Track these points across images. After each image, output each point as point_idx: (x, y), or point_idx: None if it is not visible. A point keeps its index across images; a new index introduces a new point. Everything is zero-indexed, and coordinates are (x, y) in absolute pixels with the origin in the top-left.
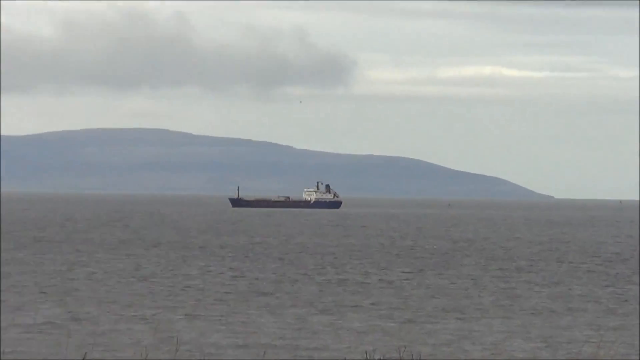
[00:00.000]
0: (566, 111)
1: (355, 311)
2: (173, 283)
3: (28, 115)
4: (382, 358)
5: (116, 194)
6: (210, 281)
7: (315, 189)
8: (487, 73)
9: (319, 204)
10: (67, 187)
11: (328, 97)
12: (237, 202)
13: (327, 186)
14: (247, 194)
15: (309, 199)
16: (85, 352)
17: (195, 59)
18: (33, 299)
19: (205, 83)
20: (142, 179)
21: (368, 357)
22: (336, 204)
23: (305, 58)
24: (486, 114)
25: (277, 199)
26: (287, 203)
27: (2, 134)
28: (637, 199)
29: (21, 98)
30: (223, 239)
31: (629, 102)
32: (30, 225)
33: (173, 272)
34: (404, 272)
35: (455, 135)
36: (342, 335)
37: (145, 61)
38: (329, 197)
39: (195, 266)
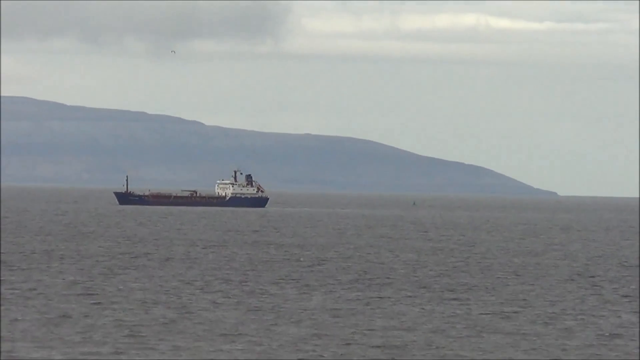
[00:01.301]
0: (576, 78)
1: None
2: None
3: None
4: None
5: None
6: None
7: (233, 181)
8: (468, 23)
9: (237, 201)
10: None
11: (250, 55)
12: (125, 198)
13: (249, 177)
14: (139, 187)
15: (223, 194)
16: None
17: (70, 1)
18: None
19: (82, 35)
20: None
21: None
22: (260, 201)
23: (219, 2)
24: (466, 80)
25: (180, 194)
26: (193, 200)
27: None
28: None
29: None
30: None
31: None
32: None
33: None
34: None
35: (424, 110)
36: None
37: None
38: (250, 191)
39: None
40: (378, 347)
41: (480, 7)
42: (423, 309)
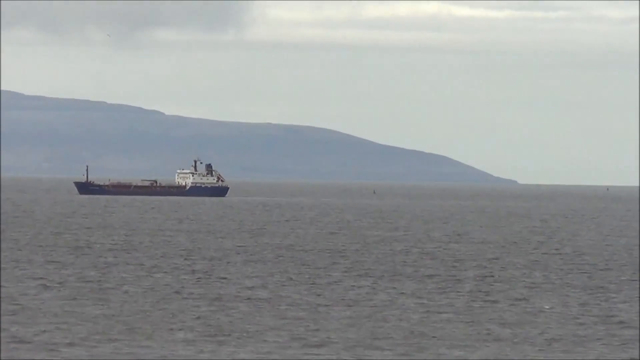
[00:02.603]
0: (535, 66)
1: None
2: None
3: None
4: None
5: None
6: None
7: (193, 170)
8: (430, 12)
9: (197, 191)
10: None
11: (212, 44)
12: (85, 188)
13: (209, 166)
14: (99, 177)
15: (183, 183)
16: None
17: None
18: None
19: (43, 24)
20: None
21: None
22: (221, 191)
23: None
24: (427, 68)
25: (140, 184)
26: (153, 189)
27: None
28: (624, 184)
29: None
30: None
31: (623, 54)
32: None
33: None
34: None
35: (385, 98)
36: None
37: None
38: (210, 180)
39: None
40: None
41: None
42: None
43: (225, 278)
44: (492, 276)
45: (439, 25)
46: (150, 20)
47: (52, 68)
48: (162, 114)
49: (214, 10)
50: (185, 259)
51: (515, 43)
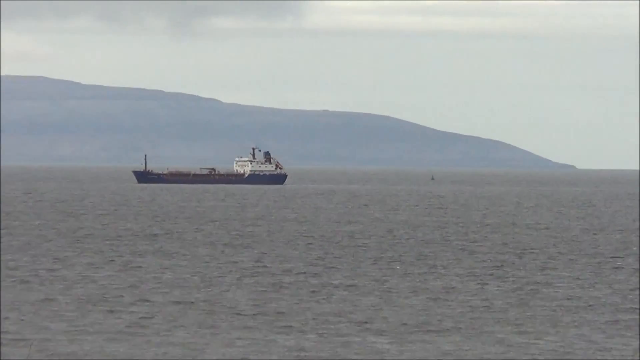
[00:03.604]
0: (594, 51)
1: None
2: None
3: None
4: None
5: None
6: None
7: (251, 158)
8: None
9: (255, 178)
10: None
11: (270, 32)
12: (143, 176)
13: (267, 154)
14: (157, 166)
15: (242, 171)
16: None
17: None
18: None
19: (100, 13)
20: (13, 145)
21: None
22: (279, 178)
23: None
24: (483, 54)
25: (198, 172)
26: (212, 177)
27: None
28: None
29: None
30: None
31: None
32: None
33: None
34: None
35: (440, 85)
36: None
37: None
38: (269, 168)
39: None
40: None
41: None
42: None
43: (333, 267)
44: None
45: (496, 10)
46: (208, 8)
47: (110, 57)
48: (220, 102)
49: None
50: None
51: (574, 28)
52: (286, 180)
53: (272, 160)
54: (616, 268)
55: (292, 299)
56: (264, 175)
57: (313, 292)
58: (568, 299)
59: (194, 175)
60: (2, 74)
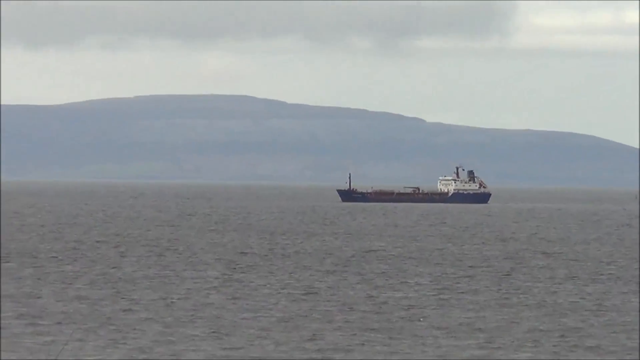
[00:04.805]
0: None
1: None
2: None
3: (63, 79)
4: None
5: (178, 183)
6: None
7: (455, 177)
8: None
9: (459, 197)
10: (111, 175)
11: (476, 51)
12: (348, 195)
13: (471, 173)
14: (361, 185)
15: (445, 190)
16: None
17: (296, 0)
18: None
19: (305, 33)
20: (216, 163)
21: None
22: (483, 197)
23: (444, 1)
24: None
25: (402, 191)
26: (416, 196)
27: (25, 103)
28: None
29: (59, 55)
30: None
31: None
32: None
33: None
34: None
35: None
36: None
37: (226, 5)
38: (472, 187)
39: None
40: None
41: None
42: None
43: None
44: None
45: None
46: (413, 28)
47: (315, 76)
48: (423, 121)
49: (478, 17)
50: None
51: None
52: (490, 199)
53: (475, 179)
54: None
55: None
56: (468, 194)
57: None
58: None
59: (398, 194)
60: (206, 92)
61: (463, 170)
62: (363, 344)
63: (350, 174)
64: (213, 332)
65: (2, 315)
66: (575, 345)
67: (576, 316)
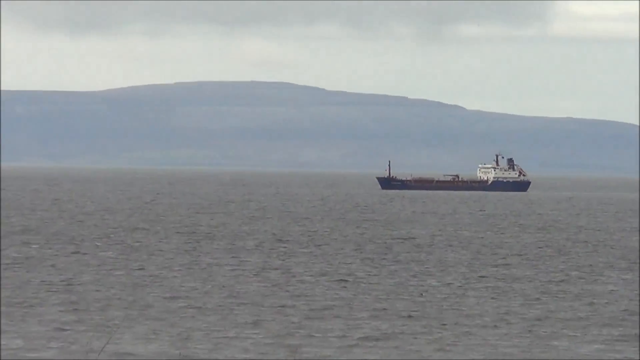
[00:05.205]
0: None
1: None
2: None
3: (105, 65)
4: None
5: (219, 171)
6: None
7: (494, 165)
8: None
9: (499, 185)
10: (153, 162)
11: (516, 39)
12: (387, 183)
13: (510, 160)
14: (401, 172)
15: (485, 178)
16: None
17: None
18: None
19: (347, 20)
20: (255, 150)
21: None
22: (522, 185)
23: None
24: None
25: (442, 179)
26: (455, 184)
27: (65, 89)
28: None
29: (101, 41)
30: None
31: None
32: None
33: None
34: None
35: None
36: None
37: None
38: (512, 175)
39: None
40: None
41: None
42: None
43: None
44: None
45: None
46: (454, 15)
47: (355, 63)
48: (463, 108)
49: (519, 5)
50: None
51: None
52: (529, 187)
53: (515, 167)
54: None
55: None
56: (508, 182)
57: None
58: None
59: (438, 181)
60: (243, 80)
61: (502, 158)
62: (402, 333)
63: (389, 162)
64: (254, 320)
65: (44, 303)
66: (622, 335)
67: (617, 305)
